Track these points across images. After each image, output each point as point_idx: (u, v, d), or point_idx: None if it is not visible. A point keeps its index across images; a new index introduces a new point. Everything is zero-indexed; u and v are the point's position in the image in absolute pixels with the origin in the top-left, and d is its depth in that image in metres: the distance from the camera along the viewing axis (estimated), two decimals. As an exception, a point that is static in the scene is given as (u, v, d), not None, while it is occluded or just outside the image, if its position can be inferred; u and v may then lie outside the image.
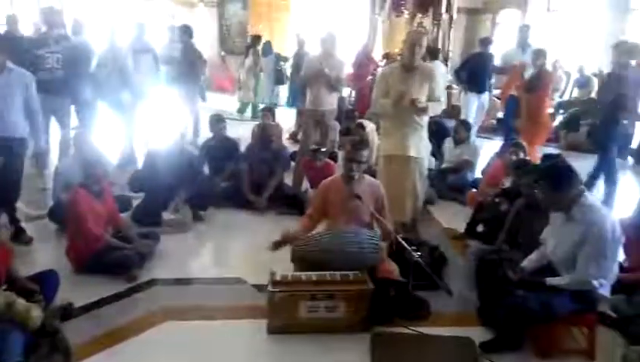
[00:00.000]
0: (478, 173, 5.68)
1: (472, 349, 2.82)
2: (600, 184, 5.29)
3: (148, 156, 4.81)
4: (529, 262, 2.99)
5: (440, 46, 9.08)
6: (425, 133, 4.13)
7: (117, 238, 3.67)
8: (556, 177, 2.74)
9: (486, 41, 7.52)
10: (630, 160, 7.36)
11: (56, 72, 5.09)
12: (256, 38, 9.87)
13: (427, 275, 2.96)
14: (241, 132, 6.56)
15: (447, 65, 8.81)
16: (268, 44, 10.47)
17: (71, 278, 3.43)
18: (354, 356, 2.78)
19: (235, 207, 4.95)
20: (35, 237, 4.06)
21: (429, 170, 4.67)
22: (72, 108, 5.59)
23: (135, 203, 4.59)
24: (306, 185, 5.35)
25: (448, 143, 5.90)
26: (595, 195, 4.61)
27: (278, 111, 7.10)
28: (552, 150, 6.93)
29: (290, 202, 4.98)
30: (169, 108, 7.34)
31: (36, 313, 2.49)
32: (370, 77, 8.53)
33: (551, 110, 7.67)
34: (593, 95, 8.43)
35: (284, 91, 10.92)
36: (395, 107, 3.89)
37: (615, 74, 5.14)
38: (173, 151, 4.67)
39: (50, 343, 2.59)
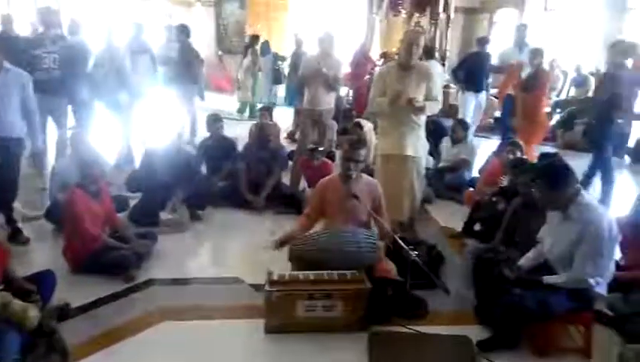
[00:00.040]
0: (475, 172, 5.70)
1: (469, 348, 2.82)
2: (596, 183, 5.30)
3: (145, 156, 4.79)
4: (526, 260, 3.00)
5: (437, 45, 9.09)
6: (422, 133, 4.13)
7: (114, 238, 3.66)
8: (553, 176, 2.74)
9: (483, 41, 7.53)
10: (627, 159, 7.39)
11: (53, 72, 5.09)
12: (255, 38, 9.86)
13: (425, 274, 2.97)
14: (239, 131, 6.56)
15: (444, 64, 8.81)
16: (266, 43, 10.48)
17: (68, 278, 3.42)
18: (351, 355, 2.78)
19: (232, 207, 4.94)
20: (32, 238, 4.05)
21: (427, 169, 4.67)
22: (69, 108, 5.58)
23: (132, 203, 4.59)
24: (303, 184, 5.35)
25: (446, 142, 5.91)
26: (592, 194, 4.63)
27: (275, 111, 7.10)
28: (549, 149, 6.93)
29: (287, 201, 4.98)
30: (166, 108, 7.33)
31: (33, 313, 2.48)
32: (367, 76, 8.53)
33: (548, 109, 7.69)
34: (590, 94, 8.45)
35: (281, 91, 10.93)
36: (392, 106, 3.90)
37: (610, 73, 5.17)
38: (170, 151, 4.67)
39: (48, 343, 2.58)
